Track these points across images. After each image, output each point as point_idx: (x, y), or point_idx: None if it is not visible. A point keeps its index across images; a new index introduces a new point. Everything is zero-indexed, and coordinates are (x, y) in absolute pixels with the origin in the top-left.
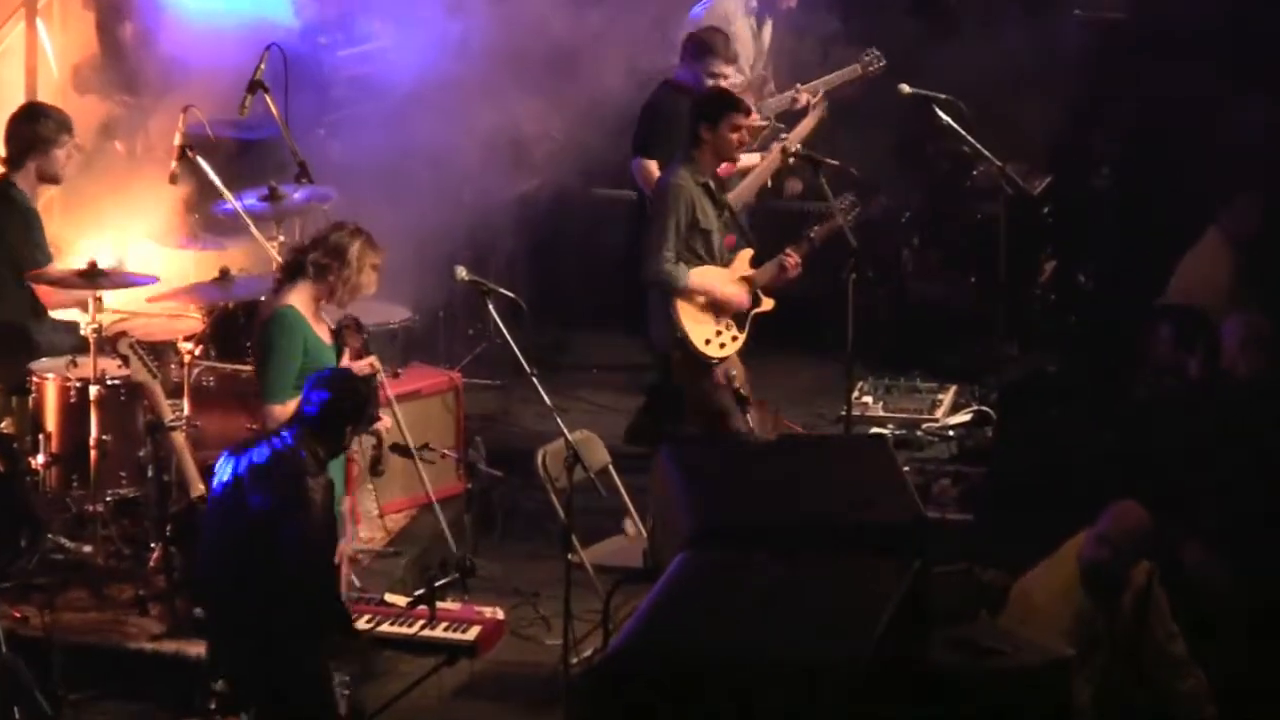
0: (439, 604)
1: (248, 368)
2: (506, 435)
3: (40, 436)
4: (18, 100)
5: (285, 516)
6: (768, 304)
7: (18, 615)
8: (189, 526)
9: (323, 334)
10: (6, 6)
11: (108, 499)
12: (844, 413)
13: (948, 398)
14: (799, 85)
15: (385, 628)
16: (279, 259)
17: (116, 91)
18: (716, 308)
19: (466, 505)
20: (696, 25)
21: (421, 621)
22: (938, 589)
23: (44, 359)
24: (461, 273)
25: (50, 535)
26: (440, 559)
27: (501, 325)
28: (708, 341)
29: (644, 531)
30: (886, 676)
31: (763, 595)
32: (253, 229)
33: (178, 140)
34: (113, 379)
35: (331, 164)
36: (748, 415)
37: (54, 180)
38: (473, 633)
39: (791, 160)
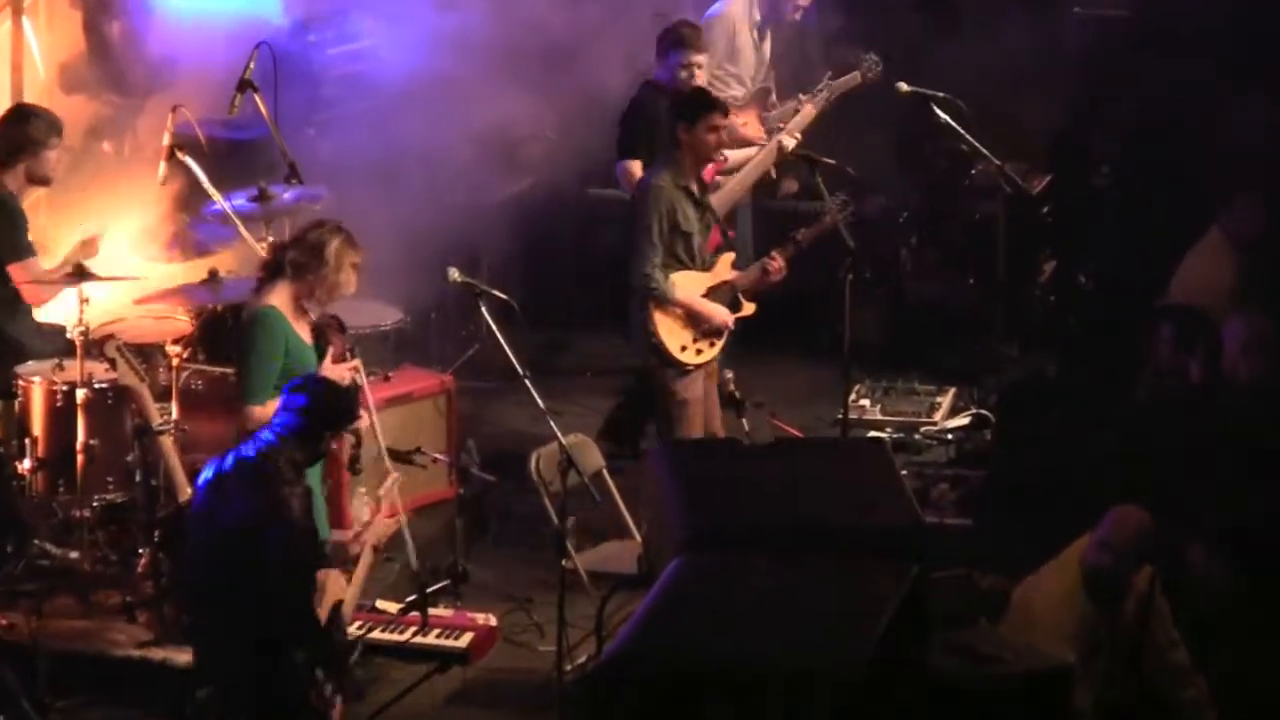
0: (431, 610)
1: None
2: (499, 438)
3: (26, 441)
4: (3, 100)
5: (266, 525)
6: (748, 308)
7: (4, 622)
8: (177, 532)
9: (304, 334)
10: None
11: (95, 504)
12: (841, 416)
13: (946, 400)
14: (801, 96)
15: (377, 634)
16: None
17: (104, 91)
18: (695, 319)
19: (459, 510)
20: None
21: (413, 628)
22: (937, 594)
23: (30, 362)
24: (454, 274)
25: (36, 541)
26: (432, 564)
27: (494, 327)
28: (683, 348)
29: (638, 535)
30: (885, 682)
31: (759, 600)
32: (241, 230)
33: (166, 140)
34: (100, 382)
35: (322, 163)
36: (744, 418)
37: (44, 182)
38: (465, 639)
39: (790, 156)
